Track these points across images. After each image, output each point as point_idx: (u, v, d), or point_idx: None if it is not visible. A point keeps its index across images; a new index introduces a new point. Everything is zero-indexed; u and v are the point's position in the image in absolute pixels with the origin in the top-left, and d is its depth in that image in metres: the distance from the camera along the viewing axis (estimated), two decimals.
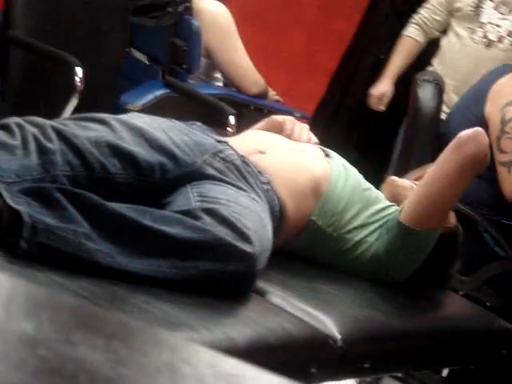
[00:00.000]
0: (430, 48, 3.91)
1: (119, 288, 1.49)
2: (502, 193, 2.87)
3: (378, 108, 3.94)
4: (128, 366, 0.45)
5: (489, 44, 3.63)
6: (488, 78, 2.99)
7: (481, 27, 3.64)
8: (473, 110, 2.93)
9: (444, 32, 3.81)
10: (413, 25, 3.84)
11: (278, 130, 2.14)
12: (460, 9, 3.68)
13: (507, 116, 2.83)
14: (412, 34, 3.84)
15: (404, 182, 2.20)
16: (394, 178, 2.24)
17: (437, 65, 3.73)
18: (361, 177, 2.12)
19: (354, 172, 2.10)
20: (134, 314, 1.41)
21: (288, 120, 2.17)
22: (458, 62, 3.63)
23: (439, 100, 3.06)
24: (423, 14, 3.81)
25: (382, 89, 3.88)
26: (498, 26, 3.63)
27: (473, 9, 3.64)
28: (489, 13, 3.64)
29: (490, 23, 3.64)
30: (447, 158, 1.99)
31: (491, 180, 2.90)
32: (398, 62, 3.85)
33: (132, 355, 0.46)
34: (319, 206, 1.99)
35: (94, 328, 0.47)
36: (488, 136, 2.86)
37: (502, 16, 3.64)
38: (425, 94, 3.04)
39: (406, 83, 3.70)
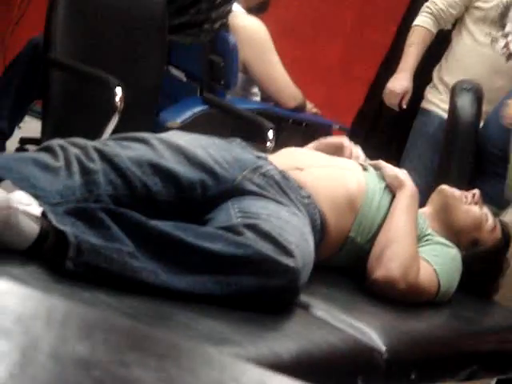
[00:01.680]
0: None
1: (164, 305, 1.50)
2: None
3: (397, 106, 3.57)
4: None
5: (509, 56, 3.44)
6: None
7: (504, 36, 3.45)
8: None
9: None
10: (426, 14, 3.54)
11: (333, 150, 2.15)
12: (481, 8, 3.47)
13: None
14: (426, 25, 3.52)
15: (454, 192, 2.19)
16: (445, 187, 2.21)
17: (450, 68, 3.50)
18: None
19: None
20: (180, 331, 1.42)
21: (346, 140, 2.20)
22: (473, 70, 3.40)
23: (478, 108, 3.05)
24: (439, 5, 3.53)
25: (404, 84, 3.52)
26: None
27: (498, 15, 3.44)
28: None
29: None
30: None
31: None
32: (415, 54, 3.52)
33: (182, 374, 0.47)
34: (357, 222, 1.99)
35: (146, 348, 0.48)
36: None
37: None
38: (463, 102, 3.03)
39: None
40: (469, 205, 2.16)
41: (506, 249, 2.22)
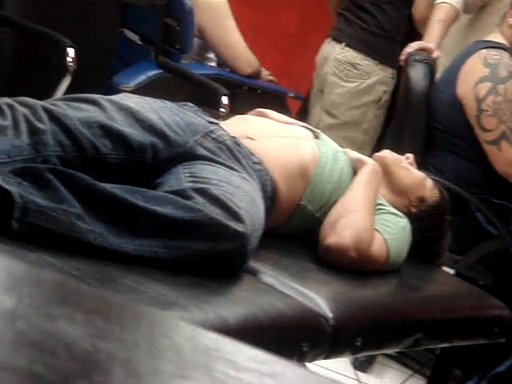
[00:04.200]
0: None
1: (111, 268, 1.50)
2: (490, 172, 2.89)
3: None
4: (106, 339, 0.45)
5: None
6: (458, 58, 2.98)
7: None
8: (447, 92, 2.93)
9: None
10: None
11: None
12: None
13: (480, 94, 2.83)
14: (456, 5, 3.26)
15: (393, 154, 2.23)
16: (382, 152, 2.25)
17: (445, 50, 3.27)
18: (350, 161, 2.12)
19: (343, 156, 2.10)
20: (126, 294, 1.41)
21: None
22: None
23: (431, 79, 3.05)
24: None
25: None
26: None
27: None
28: None
29: None
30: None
31: (478, 161, 2.91)
32: (440, 32, 3.21)
33: (111, 329, 0.46)
34: (308, 190, 2.00)
35: (74, 303, 0.47)
36: (465, 116, 2.88)
37: None
38: (416, 73, 3.03)
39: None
40: (407, 165, 2.23)
41: (447, 207, 2.27)
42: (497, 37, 2.98)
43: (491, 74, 2.84)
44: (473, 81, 2.85)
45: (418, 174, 2.25)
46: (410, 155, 2.27)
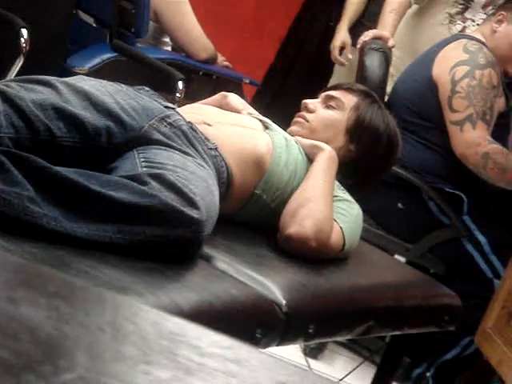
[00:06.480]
0: None
1: (64, 252, 1.48)
2: (447, 159, 2.92)
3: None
4: (70, 324, 0.45)
5: None
6: (436, 45, 3.02)
7: (462, 21, 3.34)
8: (421, 74, 2.96)
9: None
10: None
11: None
12: None
13: (456, 76, 2.87)
14: None
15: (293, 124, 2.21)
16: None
17: (398, 41, 3.25)
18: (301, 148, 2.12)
19: (294, 144, 2.10)
20: (79, 278, 1.40)
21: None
22: (425, 47, 3.16)
23: (386, 68, 3.07)
24: None
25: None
26: (478, 25, 3.27)
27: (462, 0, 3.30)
28: (476, 10, 3.33)
29: (472, 20, 3.33)
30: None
31: (437, 147, 2.94)
32: (394, 22, 3.26)
33: (74, 314, 0.46)
34: (264, 180, 2.00)
35: (37, 286, 0.47)
36: (437, 97, 2.91)
37: (484, 16, 3.26)
38: (372, 62, 3.05)
39: None
40: (309, 120, 2.19)
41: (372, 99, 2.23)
42: (478, 35, 3.02)
43: (470, 59, 2.88)
44: (451, 63, 2.89)
45: (323, 119, 2.20)
46: (303, 102, 2.22)
